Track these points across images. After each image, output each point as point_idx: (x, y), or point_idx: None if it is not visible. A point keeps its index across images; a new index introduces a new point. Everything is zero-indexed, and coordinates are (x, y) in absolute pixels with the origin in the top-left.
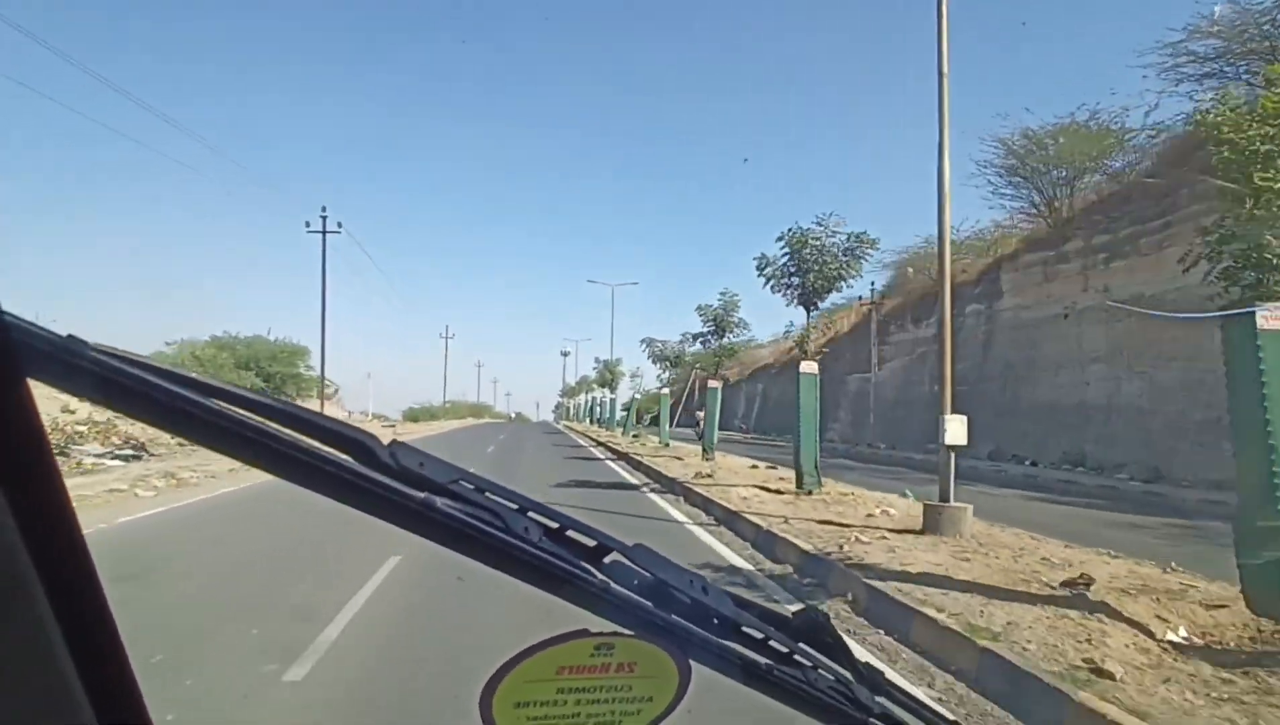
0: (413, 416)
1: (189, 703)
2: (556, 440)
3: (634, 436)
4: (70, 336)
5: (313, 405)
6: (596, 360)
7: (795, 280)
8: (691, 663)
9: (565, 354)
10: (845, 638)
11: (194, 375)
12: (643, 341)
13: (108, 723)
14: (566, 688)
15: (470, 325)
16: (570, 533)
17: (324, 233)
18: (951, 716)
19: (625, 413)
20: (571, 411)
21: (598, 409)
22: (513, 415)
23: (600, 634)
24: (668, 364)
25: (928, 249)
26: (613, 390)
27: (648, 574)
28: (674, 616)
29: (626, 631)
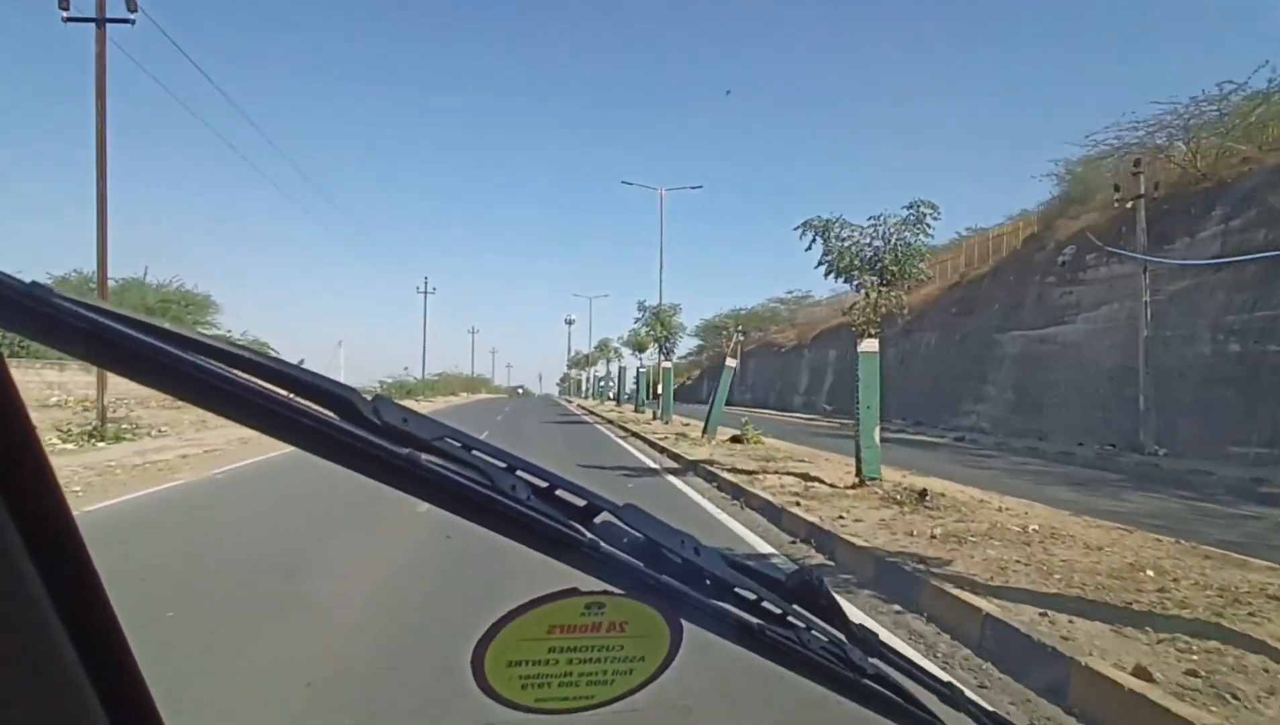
0: (387, 393)
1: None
2: (582, 438)
3: (737, 437)
4: (34, 283)
5: None
6: (640, 307)
7: None
8: (684, 622)
9: (570, 322)
10: (839, 599)
11: (166, 325)
12: (803, 226)
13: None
14: (558, 647)
15: (466, 290)
16: (560, 492)
17: (103, 21)
18: (945, 677)
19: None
20: (584, 386)
21: (629, 383)
22: (519, 391)
23: (590, 593)
24: (881, 276)
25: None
26: (667, 352)
27: (639, 534)
28: (665, 577)
29: (617, 590)
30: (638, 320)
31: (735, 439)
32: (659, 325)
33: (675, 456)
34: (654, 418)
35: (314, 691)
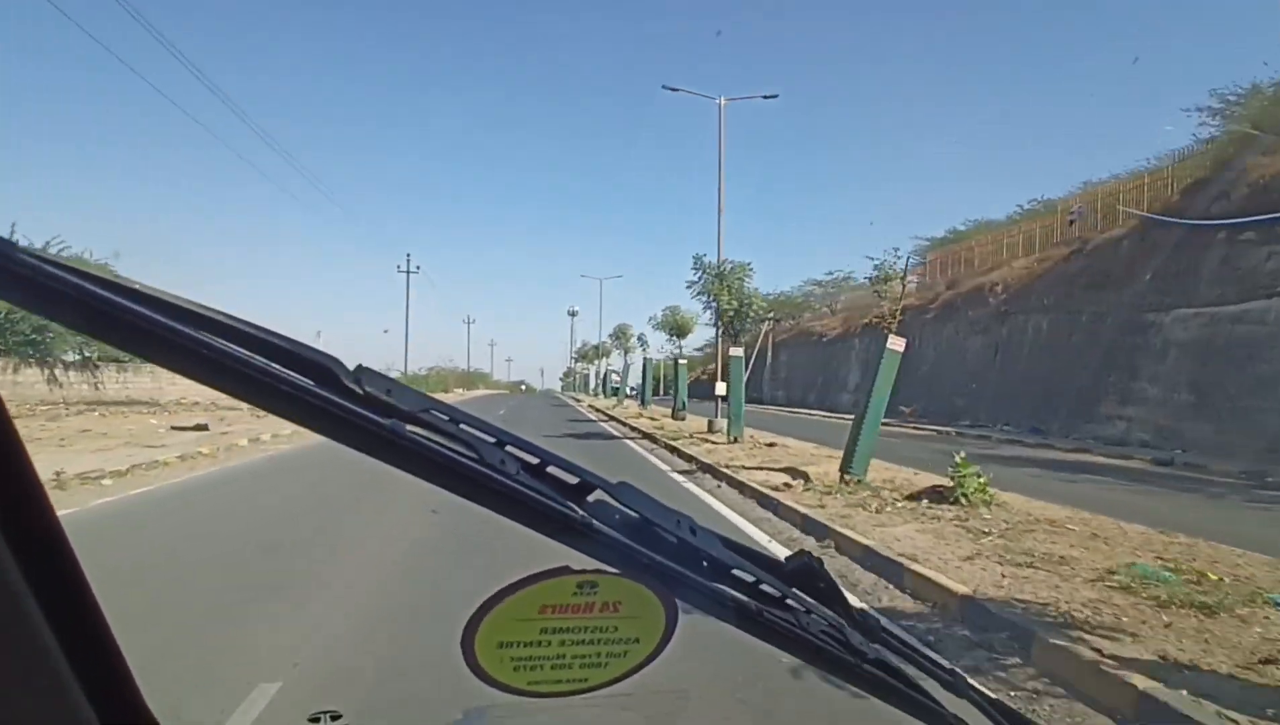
0: None
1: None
2: (621, 475)
3: (939, 489)
4: (4, 240)
5: None
6: (696, 263)
7: None
8: (680, 604)
9: (573, 313)
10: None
11: (138, 285)
12: None
13: (107, 721)
14: (550, 628)
15: (463, 279)
16: (551, 468)
17: None
18: (947, 664)
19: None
20: (593, 382)
21: (634, 378)
22: (522, 386)
23: (583, 571)
24: None
25: None
26: (734, 334)
27: (633, 513)
28: (660, 557)
29: (611, 569)
30: (691, 285)
31: (938, 493)
32: (723, 291)
33: (873, 556)
34: (710, 430)
35: (301, 674)
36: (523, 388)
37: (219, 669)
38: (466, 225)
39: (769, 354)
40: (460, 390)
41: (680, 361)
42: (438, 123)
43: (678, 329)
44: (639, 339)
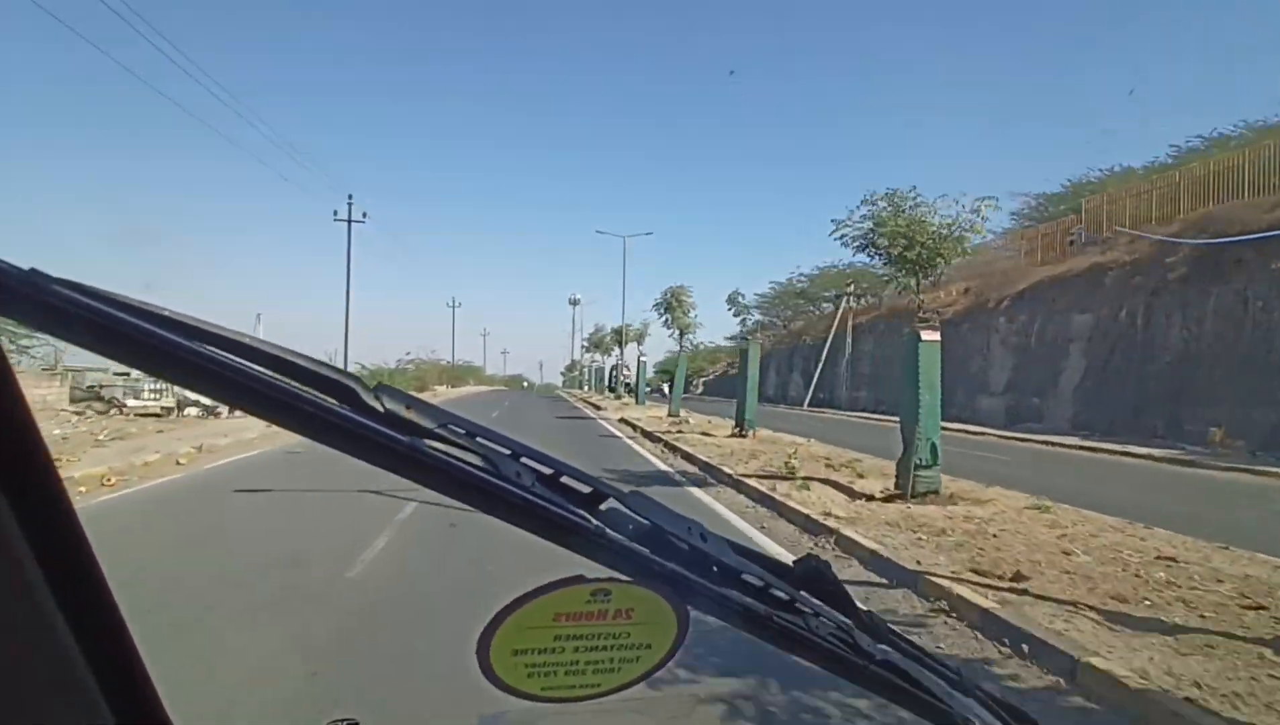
0: None
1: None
2: None
3: None
4: (33, 270)
5: None
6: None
7: None
8: (690, 610)
9: (575, 302)
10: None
11: (167, 311)
12: None
13: (125, 722)
14: (564, 635)
15: (453, 263)
16: (565, 479)
17: None
18: (953, 664)
19: None
20: (610, 377)
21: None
22: (524, 383)
23: (596, 579)
24: None
25: None
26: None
27: (645, 521)
28: (672, 564)
29: (623, 577)
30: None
31: None
32: None
33: None
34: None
35: (318, 681)
36: (524, 384)
37: (236, 676)
38: (457, 201)
39: (847, 342)
40: (442, 387)
41: (925, 339)
42: (413, 71)
43: (921, 258)
44: (737, 301)
